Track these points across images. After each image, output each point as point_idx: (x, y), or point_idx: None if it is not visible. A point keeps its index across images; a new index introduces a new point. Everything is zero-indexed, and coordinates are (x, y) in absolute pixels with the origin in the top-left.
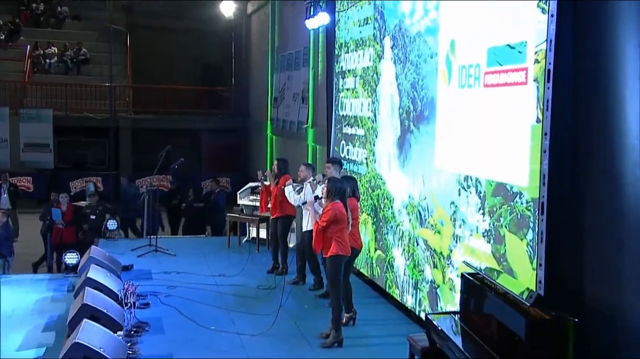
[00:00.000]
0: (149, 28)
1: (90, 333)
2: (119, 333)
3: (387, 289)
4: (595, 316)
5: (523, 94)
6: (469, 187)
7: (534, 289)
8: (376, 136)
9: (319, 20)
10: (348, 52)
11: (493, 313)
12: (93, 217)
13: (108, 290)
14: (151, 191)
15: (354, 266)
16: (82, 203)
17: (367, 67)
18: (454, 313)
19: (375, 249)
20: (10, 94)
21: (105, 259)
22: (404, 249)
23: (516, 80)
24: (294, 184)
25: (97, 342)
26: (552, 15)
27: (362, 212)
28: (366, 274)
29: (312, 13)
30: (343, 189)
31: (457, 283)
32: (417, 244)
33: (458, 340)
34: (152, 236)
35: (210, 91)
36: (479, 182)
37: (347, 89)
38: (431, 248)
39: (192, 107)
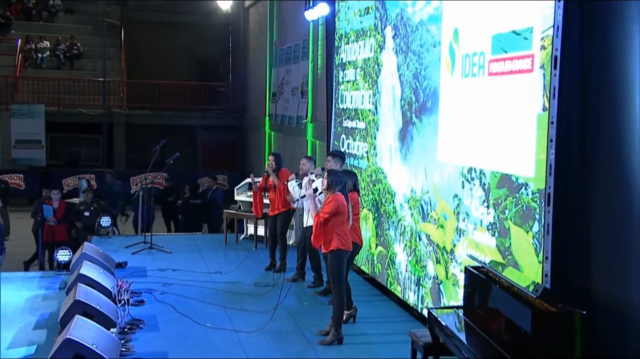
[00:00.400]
0: (143, 22)
1: (83, 330)
2: (112, 330)
3: (388, 286)
4: (603, 310)
5: (529, 81)
6: (472, 179)
7: (540, 283)
8: (377, 129)
9: (318, 11)
10: (348, 43)
11: (498, 306)
12: (87, 214)
13: (101, 287)
14: (145, 189)
15: (354, 263)
16: (75, 200)
17: (368, 58)
18: (458, 307)
19: (377, 246)
20: (1, 89)
21: (98, 255)
22: (405, 245)
23: (522, 67)
24: (297, 179)
25: (89, 338)
26: (559, 0)
27: (362, 208)
28: (367, 271)
29: (311, 4)
30: (344, 180)
31: (461, 278)
32: (420, 239)
33: (462, 335)
34: (146, 233)
35: (207, 86)
36: (483, 173)
37: (348, 82)
38: (434, 243)
39: (188, 103)
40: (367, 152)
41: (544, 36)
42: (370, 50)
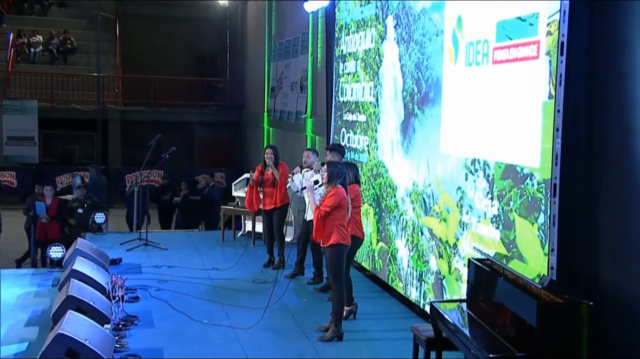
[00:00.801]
0: (139, 15)
1: (76, 325)
2: (106, 326)
3: (389, 283)
4: (610, 302)
5: (534, 69)
6: (476, 171)
7: (546, 276)
8: (378, 122)
9: (318, 2)
10: (349, 35)
11: (503, 299)
12: (80, 211)
13: (95, 283)
14: (141, 186)
15: (355, 259)
16: (69, 197)
17: (369, 49)
18: (461, 300)
19: (378, 241)
20: None
21: (92, 251)
22: (407, 240)
23: (527, 54)
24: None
25: (82, 334)
26: None
27: (363, 203)
28: (368, 267)
29: None
30: (344, 172)
31: (464, 272)
32: (422, 234)
33: (466, 329)
34: (141, 230)
35: (204, 81)
36: (487, 165)
37: (348, 74)
38: (436, 237)
39: (185, 99)
40: (368, 146)
41: (550, 21)
42: (371, 41)
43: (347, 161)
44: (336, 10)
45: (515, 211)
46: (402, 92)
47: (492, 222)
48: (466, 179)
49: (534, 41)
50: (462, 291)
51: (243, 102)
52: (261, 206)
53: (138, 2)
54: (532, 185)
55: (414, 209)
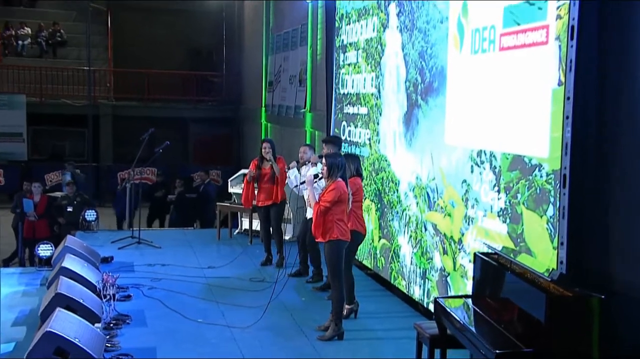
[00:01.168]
0: (131, 7)
1: (65, 323)
2: (96, 325)
3: (392, 281)
4: (622, 297)
5: (543, 55)
6: (482, 162)
7: (555, 270)
8: (380, 114)
9: None
10: (350, 24)
11: (511, 294)
12: (70, 209)
13: (85, 281)
14: (133, 184)
15: (356, 257)
16: (58, 194)
17: (371, 39)
18: (466, 296)
19: (380, 238)
20: None
21: (82, 249)
22: (410, 236)
23: (536, 40)
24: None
25: (71, 332)
26: None
27: (365, 198)
28: (369, 265)
29: None
30: (343, 164)
31: (470, 269)
32: (426, 230)
33: (472, 325)
34: (134, 228)
35: (199, 76)
36: (494, 156)
37: (349, 65)
38: (441, 233)
39: (180, 94)
40: (369, 139)
41: (559, 5)
42: (373, 30)
43: (348, 152)
44: None
45: (523, 204)
46: (405, 82)
47: (498, 216)
48: (472, 171)
49: (543, 26)
50: (467, 289)
51: (240, 97)
52: (255, 203)
53: None
54: (541, 176)
55: (417, 204)
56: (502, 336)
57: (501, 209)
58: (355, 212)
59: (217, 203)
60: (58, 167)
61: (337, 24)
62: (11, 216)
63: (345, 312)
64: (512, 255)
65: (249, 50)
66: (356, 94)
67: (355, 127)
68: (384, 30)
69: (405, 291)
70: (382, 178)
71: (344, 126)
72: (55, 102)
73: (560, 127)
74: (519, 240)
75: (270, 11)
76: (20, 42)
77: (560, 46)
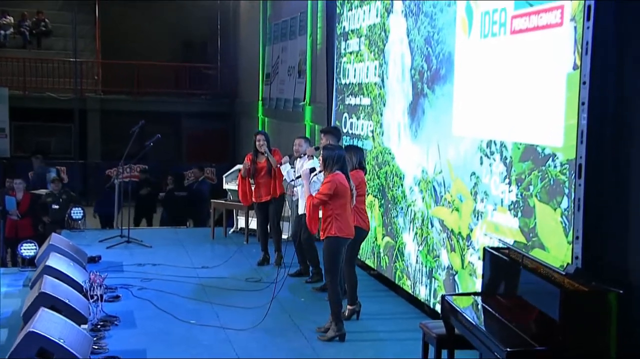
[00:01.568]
0: None
1: (49, 323)
2: (83, 326)
3: (396, 281)
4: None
5: (557, 37)
6: (492, 153)
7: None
8: (384, 105)
9: None
10: (351, 9)
11: (522, 290)
12: (55, 207)
13: (71, 280)
14: (122, 181)
15: (358, 257)
16: (43, 191)
17: (374, 25)
18: (476, 294)
19: (383, 236)
20: None
21: (68, 248)
22: (416, 233)
23: (549, 22)
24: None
25: (56, 332)
26: None
27: (368, 194)
28: (372, 265)
29: None
30: (342, 156)
31: (479, 266)
32: (432, 226)
33: (482, 323)
34: (123, 227)
35: (192, 68)
36: (505, 146)
37: (350, 53)
38: (448, 229)
39: (172, 87)
40: (372, 132)
41: None
42: (376, 15)
43: (350, 144)
44: None
45: (536, 196)
46: (411, 70)
47: (509, 210)
48: (481, 163)
49: (558, 6)
50: (476, 287)
51: (235, 90)
52: (253, 199)
53: None
54: (555, 166)
55: (423, 199)
56: (514, 334)
57: (512, 202)
58: (357, 207)
59: (212, 200)
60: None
61: (338, 10)
62: None
63: (347, 313)
64: (524, 250)
65: (245, 41)
66: (358, 84)
67: (358, 119)
68: (387, 16)
69: (410, 291)
70: (386, 172)
71: (345, 117)
72: (40, 95)
73: (576, 114)
74: (531, 235)
75: None
76: (2, 31)
77: (575, 27)
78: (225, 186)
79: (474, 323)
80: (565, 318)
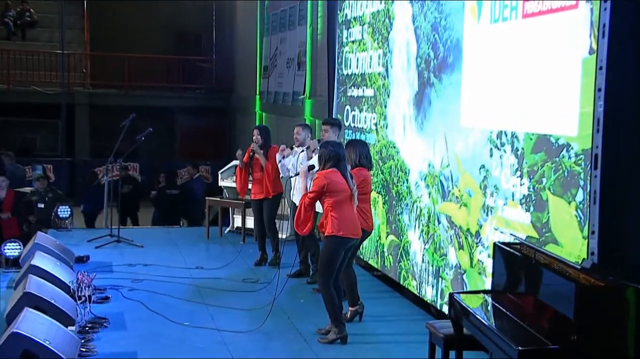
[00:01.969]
0: None
1: (34, 324)
2: (70, 328)
3: (401, 282)
4: None
5: (572, 20)
6: (503, 145)
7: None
8: (388, 96)
9: None
10: None
11: (535, 286)
12: (41, 206)
13: (57, 280)
14: (112, 180)
15: (361, 257)
16: (27, 189)
17: (377, 12)
18: (485, 291)
19: (387, 234)
20: None
21: (54, 247)
22: (422, 231)
23: (564, 4)
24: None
25: (41, 333)
26: None
27: (371, 191)
28: (376, 265)
29: None
30: (338, 154)
31: (489, 264)
32: (439, 223)
33: (492, 322)
34: (112, 226)
35: (186, 61)
36: (516, 137)
37: (353, 42)
38: (456, 226)
39: (164, 81)
40: (375, 124)
41: None
42: (380, 2)
43: (354, 139)
44: None
45: (549, 189)
46: (416, 58)
47: (521, 204)
48: (491, 155)
49: None
50: (486, 287)
51: (231, 84)
52: (250, 196)
53: None
54: (569, 157)
55: (429, 194)
56: (526, 332)
57: (524, 196)
58: (359, 206)
59: (207, 198)
60: (28, 162)
61: None
62: None
63: (349, 314)
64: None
65: (242, 32)
66: (361, 74)
67: (360, 112)
68: (392, 2)
69: (415, 292)
70: (390, 167)
71: (347, 110)
72: (25, 89)
73: (592, 101)
74: (544, 230)
75: None
76: None
77: (591, 9)
78: (221, 183)
79: (483, 322)
80: (580, 314)
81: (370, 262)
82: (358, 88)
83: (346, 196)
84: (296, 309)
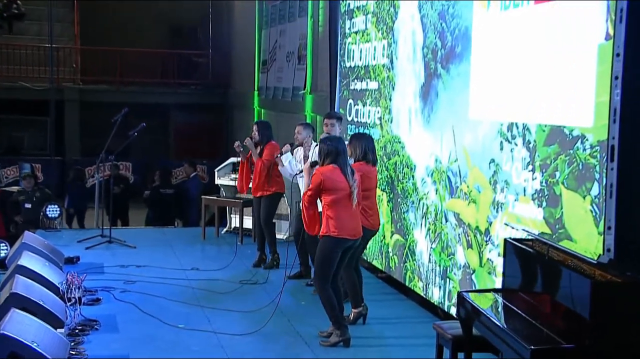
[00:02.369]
0: None
1: (21, 325)
2: (59, 330)
3: (406, 283)
4: None
5: (588, 4)
6: (514, 137)
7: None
8: (393, 88)
9: None
10: None
11: (548, 283)
12: (28, 205)
13: (45, 281)
14: (103, 180)
15: (364, 259)
16: (14, 188)
17: (382, 0)
18: (496, 290)
19: (392, 234)
20: None
21: (42, 247)
22: (429, 229)
23: None
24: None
25: (28, 335)
26: None
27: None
28: (380, 266)
29: None
30: (336, 149)
31: (499, 263)
32: (446, 221)
33: (503, 321)
34: (104, 227)
35: (181, 55)
36: (528, 129)
37: (356, 32)
38: (464, 223)
39: (158, 76)
40: (380, 119)
41: None
42: None
43: (358, 132)
44: None
45: (563, 183)
46: (423, 49)
47: (533, 200)
48: (501, 148)
49: None
50: (496, 287)
51: (228, 79)
52: (252, 193)
53: None
54: (584, 149)
55: (436, 191)
56: (539, 331)
57: (536, 191)
58: (361, 203)
59: (203, 196)
60: (15, 161)
61: None
62: None
63: (352, 316)
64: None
65: (239, 25)
66: (365, 66)
67: (364, 106)
68: None
69: (422, 293)
70: (395, 163)
71: (350, 104)
72: (12, 85)
73: (608, 90)
74: (557, 226)
75: None
76: None
77: None
78: (218, 181)
79: (494, 321)
80: (596, 312)
81: (375, 263)
82: (361, 81)
83: (344, 194)
84: (297, 311)
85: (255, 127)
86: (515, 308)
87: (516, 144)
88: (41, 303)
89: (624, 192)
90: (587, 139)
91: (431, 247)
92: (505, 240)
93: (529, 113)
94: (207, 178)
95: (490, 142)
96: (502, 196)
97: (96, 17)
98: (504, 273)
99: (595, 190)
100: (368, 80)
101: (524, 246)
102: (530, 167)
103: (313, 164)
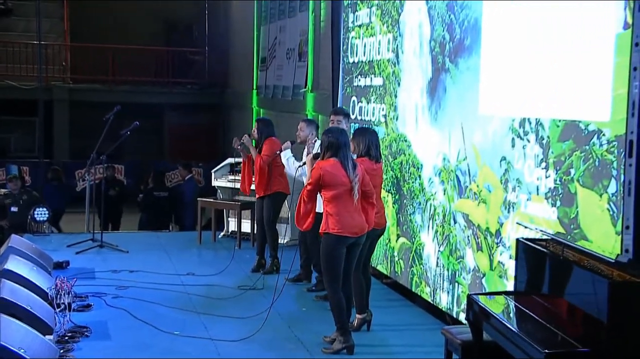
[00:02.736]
0: None
1: (7, 331)
2: (47, 337)
3: (413, 288)
4: None
5: None
6: (526, 134)
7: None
8: (399, 84)
9: None
10: None
11: (563, 284)
12: (14, 209)
13: (33, 286)
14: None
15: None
16: (0, 191)
17: None
18: (507, 292)
19: (398, 237)
20: None
21: (30, 251)
22: (436, 232)
23: None
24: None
25: (15, 341)
26: None
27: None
28: (385, 271)
29: None
30: (337, 142)
31: (510, 266)
32: (455, 222)
33: (515, 324)
34: (95, 231)
35: (177, 53)
36: (541, 124)
37: (360, 26)
38: (474, 225)
39: (152, 75)
40: (385, 116)
41: None
42: None
43: (362, 127)
44: None
45: (578, 181)
46: (430, 42)
47: (546, 199)
48: (513, 145)
49: None
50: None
51: (226, 78)
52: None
53: None
54: (600, 145)
55: (444, 191)
56: (553, 334)
57: (550, 189)
58: (364, 201)
59: (199, 199)
60: (2, 164)
61: None
62: None
63: (356, 322)
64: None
65: (237, 22)
66: (369, 61)
67: (368, 103)
68: None
69: (429, 299)
70: (401, 163)
71: (353, 102)
72: None
73: (626, 82)
74: (572, 226)
75: None
76: None
77: None
78: (215, 183)
79: (506, 324)
80: (613, 314)
81: (380, 268)
82: (365, 77)
83: (345, 189)
84: (298, 317)
85: (255, 125)
86: (528, 311)
87: (528, 141)
88: (29, 308)
89: None
90: (603, 134)
91: (439, 251)
92: (517, 240)
93: (542, 108)
94: (203, 181)
95: (501, 139)
96: (513, 196)
97: (87, 12)
98: (515, 275)
99: (612, 188)
100: (372, 76)
101: (537, 246)
102: (543, 164)
103: (315, 157)
